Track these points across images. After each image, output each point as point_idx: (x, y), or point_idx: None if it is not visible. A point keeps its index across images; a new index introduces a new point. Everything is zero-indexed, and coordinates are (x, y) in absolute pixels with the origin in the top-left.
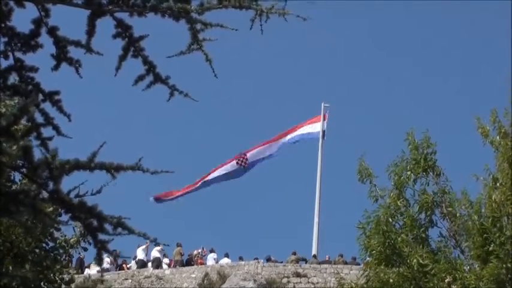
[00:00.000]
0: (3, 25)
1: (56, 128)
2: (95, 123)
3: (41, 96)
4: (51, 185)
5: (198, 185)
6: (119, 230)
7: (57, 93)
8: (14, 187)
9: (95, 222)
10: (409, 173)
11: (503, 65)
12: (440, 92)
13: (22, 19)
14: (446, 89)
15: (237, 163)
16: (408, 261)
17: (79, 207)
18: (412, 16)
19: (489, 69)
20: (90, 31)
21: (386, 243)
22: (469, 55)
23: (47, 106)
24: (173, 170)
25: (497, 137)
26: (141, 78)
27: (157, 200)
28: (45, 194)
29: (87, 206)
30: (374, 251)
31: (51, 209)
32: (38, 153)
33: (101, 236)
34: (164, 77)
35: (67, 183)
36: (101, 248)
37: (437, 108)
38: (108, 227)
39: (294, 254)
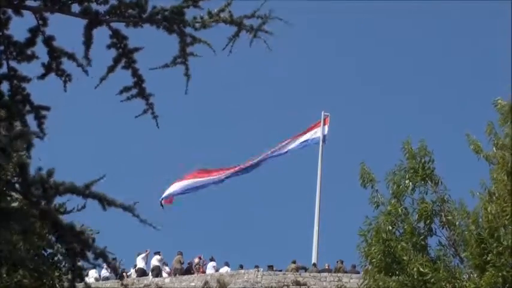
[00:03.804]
0: (0, 33)
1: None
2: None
3: (28, 108)
4: (43, 203)
5: (196, 179)
6: (99, 260)
7: (46, 108)
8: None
9: (78, 248)
10: (407, 181)
11: (503, 68)
12: (440, 96)
13: (19, 27)
14: (446, 93)
15: (236, 172)
16: (408, 269)
17: (68, 230)
18: (411, 18)
19: (489, 73)
20: (88, 41)
21: (386, 252)
22: (469, 58)
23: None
24: (160, 227)
25: (494, 149)
26: (126, 89)
27: (166, 202)
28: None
29: (75, 230)
30: (374, 260)
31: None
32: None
33: (80, 262)
34: (147, 94)
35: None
36: (77, 275)
37: (437, 112)
38: (90, 254)
39: (294, 262)
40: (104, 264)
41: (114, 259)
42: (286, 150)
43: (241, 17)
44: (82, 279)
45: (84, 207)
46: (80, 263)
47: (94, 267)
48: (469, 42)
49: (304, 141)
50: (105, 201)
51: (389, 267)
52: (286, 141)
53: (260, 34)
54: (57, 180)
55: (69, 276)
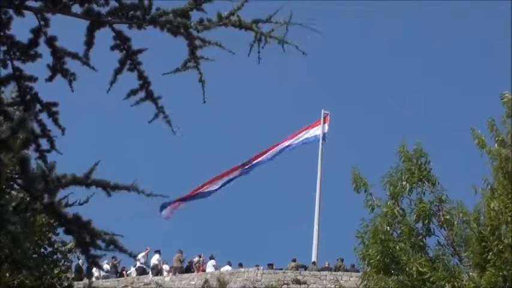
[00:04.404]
0: (2, 34)
1: (50, 141)
2: (87, 134)
3: (38, 107)
4: (46, 197)
5: (200, 191)
6: (111, 247)
7: (55, 104)
8: (13, 193)
9: (88, 238)
10: (404, 183)
11: (502, 68)
12: (441, 95)
13: (21, 28)
14: (446, 92)
15: (240, 171)
16: (407, 269)
17: (73, 221)
18: (411, 19)
19: (489, 74)
20: (89, 42)
21: (385, 252)
22: (469, 58)
23: (43, 117)
24: (168, 195)
25: (496, 145)
26: (133, 92)
27: (166, 212)
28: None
29: (81, 220)
30: (372, 260)
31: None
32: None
33: (93, 251)
34: (155, 96)
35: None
36: (92, 263)
37: (438, 110)
38: (100, 243)
39: (294, 261)
40: (117, 250)
41: (114, 257)
42: (283, 148)
43: (252, 22)
44: (98, 266)
45: (86, 201)
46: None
47: (105, 254)
48: (469, 42)
49: (303, 139)
50: (108, 187)
51: (388, 267)
52: (284, 141)
53: (278, 40)
54: (58, 173)
55: (75, 274)
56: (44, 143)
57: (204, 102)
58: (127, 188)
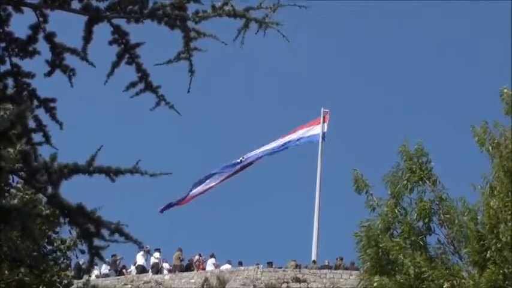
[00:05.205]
0: (1, 30)
1: (46, 136)
2: (87, 128)
3: (36, 103)
4: (50, 189)
5: (200, 190)
6: (116, 236)
7: (53, 100)
8: (12, 190)
9: (92, 228)
10: (405, 182)
11: (502, 68)
12: (440, 94)
13: (20, 24)
14: (446, 91)
15: (238, 163)
16: (405, 268)
17: (77, 212)
18: (411, 18)
19: (489, 73)
20: (87, 37)
21: (380, 252)
22: (470, 58)
23: (40, 112)
24: (171, 172)
25: (490, 148)
26: (132, 85)
27: (164, 209)
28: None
29: (85, 210)
30: (369, 262)
31: (48, 211)
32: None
33: (97, 242)
34: (155, 86)
35: (67, 190)
36: (95, 254)
37: (436, 109)
38: (105, 232)
39: (294, 261)
40: (122, 237)
41: (114, 255)
42: (283, 145)
43: (244, 10)
44: (101, 258)
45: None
46: (96, 243)
47: (109, 244)
48: (469, 41)
49: (301, 138)
50: (111, 173)
51: (384, 268)
52: (283, 138)
53: (270, 25)
54: (60, 163)
55: (81, 268)
56: (39, 138)
57: (189, 92)
58: (130, 171)
